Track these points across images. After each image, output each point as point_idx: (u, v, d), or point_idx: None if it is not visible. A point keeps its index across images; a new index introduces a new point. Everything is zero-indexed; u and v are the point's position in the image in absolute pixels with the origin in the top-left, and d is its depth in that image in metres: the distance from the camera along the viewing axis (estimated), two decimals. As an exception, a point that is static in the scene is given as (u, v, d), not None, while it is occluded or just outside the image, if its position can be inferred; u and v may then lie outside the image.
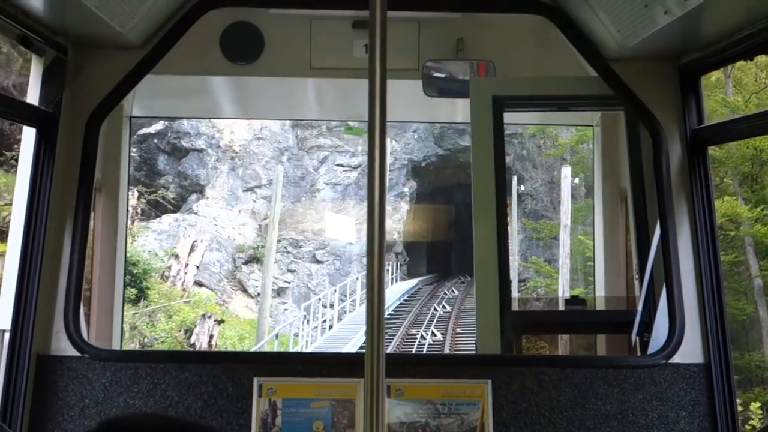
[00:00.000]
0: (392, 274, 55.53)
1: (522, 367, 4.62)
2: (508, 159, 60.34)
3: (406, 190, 57.28)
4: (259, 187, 53.26)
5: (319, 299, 43.06)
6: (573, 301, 6.05)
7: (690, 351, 4.55)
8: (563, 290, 39.20)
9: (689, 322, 4.55)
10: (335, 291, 43.79)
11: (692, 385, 4.52)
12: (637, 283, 5.97)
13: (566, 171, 41.15)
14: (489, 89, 5.36)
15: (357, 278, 48.14)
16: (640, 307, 5.50)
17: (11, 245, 4.75)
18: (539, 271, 45.69)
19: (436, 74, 5.66)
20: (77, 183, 4.71)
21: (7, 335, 4.45)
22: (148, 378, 4.53)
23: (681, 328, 4.53)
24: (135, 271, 40.01)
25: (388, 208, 52.86)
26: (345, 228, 50.00)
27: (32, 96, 4.75)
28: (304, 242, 53.20)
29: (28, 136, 4.79)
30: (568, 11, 4.90)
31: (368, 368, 2.56)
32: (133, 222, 46.59)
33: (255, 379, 4.45)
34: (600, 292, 6.52)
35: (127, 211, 5.43)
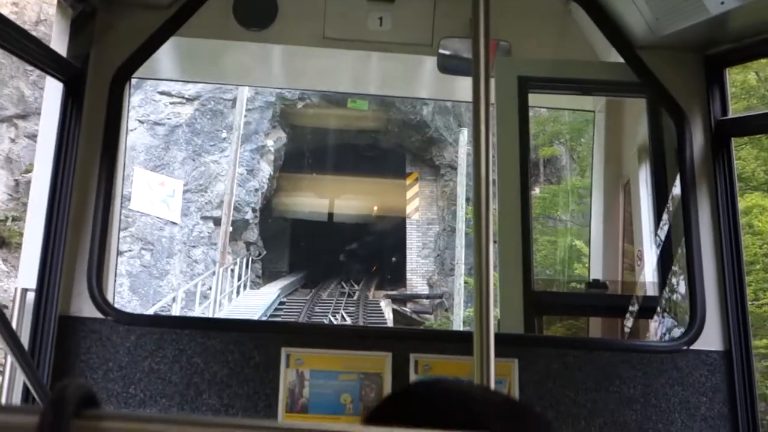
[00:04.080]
0: (240, 278, 45.86)
1: (547, 347, 6.22)
2: (426, 111, 50.54)
3: (270, 143, 50.23)
4: (24, 116, 42.49)
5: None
6: (595, 284, 7.86)
7: (711, 338, 6.16)
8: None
9: (710, 310, 6.16)
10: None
11: (713, 372, 6.11)
12: (638, 269, 7.84)
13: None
14: (514, 69, 7.14)
15: (176, 299, 37.59)
16: (639, 294, 7.44)
17: (33, 202, 6.08)
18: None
19: (451, 52, 7.32)
20: (102, 142, 6.13)
21: (29, 294, 5.82)
22: (173, 343, 5.94)
23: (702, 315, 6.14)
24: None
25: (239, 169, 44.61)
26: (165, 196, 40.55)
27: (56, 49, 6.00)
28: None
29: (52, 90, 6.12)
30: None
31: (477, 347, 3.72)
32: None
33: (283, 349, 5.95)
34: (595, 276, 8.33)
35: (124, 167, 6.65)
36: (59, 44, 6.12)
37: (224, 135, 47.17)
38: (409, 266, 53.14)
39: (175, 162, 46.30)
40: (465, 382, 2.65)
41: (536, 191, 44.75)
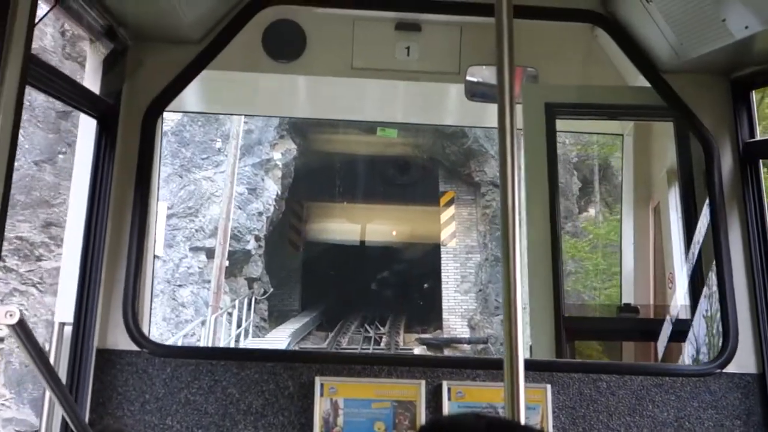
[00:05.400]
0: (241, 324, 42.18)
1: (580, 372, 6.89)
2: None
3: (277, 157, 47.17)
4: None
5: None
6: (626, 308, 8.76)
7: (744, 361, 6.85)
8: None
9: (743, 333, 6.87)
10: None
11: (747, 395, 6.81)
12: (669, 292, 8.53)
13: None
14: (541, 96, 8.02)
15: None
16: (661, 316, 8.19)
17: (69, 237, 6.90)
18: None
19: (478, 79, 8.18)
20: (135, 176, 6.92)
21: (67, 328, 6.67)
22: (208, 375, 6.70)
23: (735, 338, 6.83)
24: None
25: (238, 188, 41.83)
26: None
27: (89, 86, 6.74)
28: (48, 248, 25.68)
29: (86, 126, 6.97)
30: (623, 21, 7.17)
31: (507, 373, 4.35)
32: None
33: (317, 378, 6.73)
34: (626, 300, 9.23)
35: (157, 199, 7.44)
36: (92, 81, 6.97)
37: (219, 145, 43.43)
38: (445, 304, 49.47)
39: (157, 179, 38.75)
40: (494, 417, 2.86)
41: (591, 212, 44.69)
